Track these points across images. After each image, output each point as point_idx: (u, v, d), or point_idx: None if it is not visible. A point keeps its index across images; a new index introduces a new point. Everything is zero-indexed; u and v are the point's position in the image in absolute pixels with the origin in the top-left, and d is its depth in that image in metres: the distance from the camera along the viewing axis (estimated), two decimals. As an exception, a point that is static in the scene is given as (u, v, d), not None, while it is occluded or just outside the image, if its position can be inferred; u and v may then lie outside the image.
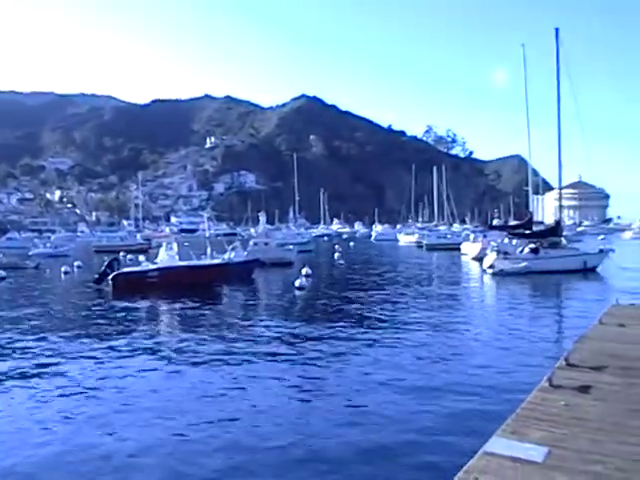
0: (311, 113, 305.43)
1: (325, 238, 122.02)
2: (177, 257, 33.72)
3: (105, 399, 12.25)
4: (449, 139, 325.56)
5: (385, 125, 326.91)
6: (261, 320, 22.57)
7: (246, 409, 11.48)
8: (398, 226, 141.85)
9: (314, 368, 14.69)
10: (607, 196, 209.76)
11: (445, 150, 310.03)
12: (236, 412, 11.30)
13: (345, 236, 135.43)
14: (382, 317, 22.83)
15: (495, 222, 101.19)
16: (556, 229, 46.52)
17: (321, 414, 11.23)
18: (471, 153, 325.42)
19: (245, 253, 44.06)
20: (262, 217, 64.17)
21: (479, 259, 48.62)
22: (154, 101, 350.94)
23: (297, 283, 31.81)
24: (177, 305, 26.03)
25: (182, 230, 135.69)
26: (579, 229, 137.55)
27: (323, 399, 12.17)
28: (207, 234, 43.99)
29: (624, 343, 10.61)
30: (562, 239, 46.04)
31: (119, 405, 11.79)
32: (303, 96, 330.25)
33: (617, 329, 12.00)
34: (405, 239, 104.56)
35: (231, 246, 40.73)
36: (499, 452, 5.50)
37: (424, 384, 13.00)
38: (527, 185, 53.50)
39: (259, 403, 11.80)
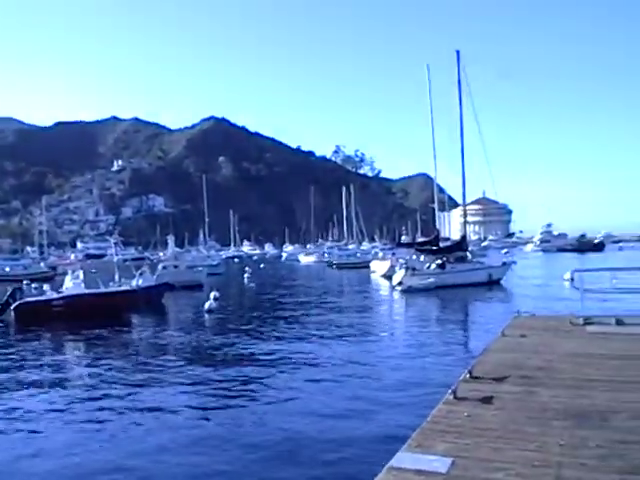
0: (220, 134, 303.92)
1: (235, 260, 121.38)
2: (83, 285, 32.74)
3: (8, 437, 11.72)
4: (357, 159, 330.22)
5: (294, 146, 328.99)
6: (169, 346, 22.18)
7: (148, 449, 10.82)
8: (308, 246, 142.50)
9: (222, 394, 14.52)
10: (510, 211, 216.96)
11: (354, 169, 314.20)
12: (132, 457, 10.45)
13: (255, 258, 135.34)
14: (291, 338, 22.87)
15: (403, 239, 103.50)
16: (462, 244, 47.86)
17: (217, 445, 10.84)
18: (379, 172, 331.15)
19: (154, 277, 43.32)
20: (171, 240, 63.34)
21: (388, 276, 49.41)
22: (58, 123, 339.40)
23: (207, 306, 31.52)
24: (83, 335, 25.14)
25: (89, 256, 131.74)
26: (484, 244, 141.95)
27: (227, 430, 11.79)
28: (115, 259, 42.79)
29: (524, 353, 10.98)
30: (468, 254, 47.43)
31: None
32: (212, 117, 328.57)
33: (518, 340, 12.41)
34: (305, 259, 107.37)
35: (139, 271, 39.98)
36: (404, 466, 5.58)
37: (333, 404, 13.02)
38: (433, 202, 54.74)
39: (159, 440, 11.14)
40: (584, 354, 10.86)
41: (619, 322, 14.58)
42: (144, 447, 10.76)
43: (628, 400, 7.72)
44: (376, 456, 7.90)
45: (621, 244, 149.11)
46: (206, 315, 30.48)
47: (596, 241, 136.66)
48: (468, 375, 8.95)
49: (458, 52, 46.89)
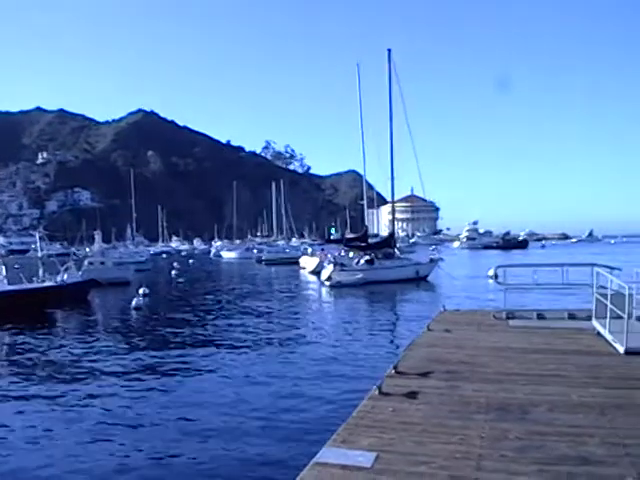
0: (148, 128, 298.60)
1: (164, 256, 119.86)
2: (5, 281, 31.75)
3: None
4: (287, 155, 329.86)
5: (224, 140, 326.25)
6: (95, 345, 21.61)
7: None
8: (237, 241, 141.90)
9: (144, 393, 14.25)
10: (437, 209, 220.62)
11: (284, 165, 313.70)
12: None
13: (184, 253, 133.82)
14: (219, 334, 22.74)
15: (332, 235, 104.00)
16: (390, 241, 48.44)
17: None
18: (309, 168, 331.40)
19: (80, 273, 42.31)
20: (98, 236, 62.13)
21: (317, 272, 49.57)
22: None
23: (134, 303, 30.97)
24: (3, 333, 24.39)
25: (12, 251, 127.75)
26: (412, 240, 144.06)
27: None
28: (39, 255, 41.65)
29: (449, 348, 11.19)
30: (396, 250, 47.95)
31: None
32: (140, 110, 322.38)
33: (443, 334, 12.65)
34: (227, 255, 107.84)
35: (64, 267, 38.95)
36: (329, 461, 5.62)
37: (254, 403, 12.89)
38: (362, 199, 55.14)
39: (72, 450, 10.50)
40: (506, 348, 11.14)
41: (540, 316, 15.01)
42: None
43: (547, 393, 7.96)
44: (298, 452, 7.95)
45: (544, 242, 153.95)
46: (133, 312, 29.94)
47: (520, 239, 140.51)
48: (393, 370, 9.07)
49: (389, 51, 47.36)
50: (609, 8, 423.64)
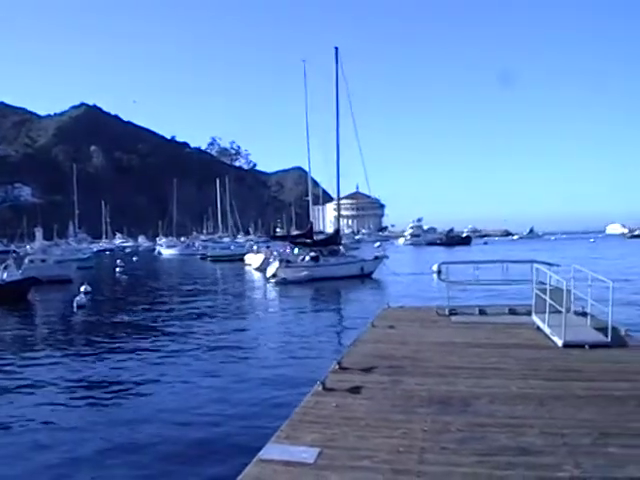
0: (91, 122, 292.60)
1: (107, 253, 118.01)
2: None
3: None
4: (233, 151, 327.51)
5: (169, 136, 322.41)
6: (36, 345, 21.20)
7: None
8: (182, 238, 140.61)
9: (88, 394, 14.02)
10: (382, 206, 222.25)
11: (229, 162, 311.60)
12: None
13: (128, 250, 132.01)
14: (163, 331, 22.50)
15: (278, 232, 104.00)
16: (335, 237, 48.65)
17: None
18: (255, 165, 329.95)
19: (19, 272, 41.34)
20: (39, 232, 60.96)
21: (262, 269, 49.43)
22: None
23: (75, 301, 30.33)
24: None
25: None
26: (357, 237, 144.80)
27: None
28: (-23, 252, 40.82)
29: (392, 343, 11.30)
30: (341, 247, 48.14)
31: None
32: (83, 104, 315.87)
33: (387, 331, 12.76)
34: (167, 252, 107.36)
35: (4, 265, 38.03)
36: (273, 458, 5.62)
37: (199, 401, 12.74)
38: (308, 196, 55.19)
39: None
40: (449, 343, 11.30)
41: (482, 312, 15.29)
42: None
43: (488, 385, 8.11)
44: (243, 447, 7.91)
45: (486, 239, 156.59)
46: (76, 311, 29.35)
47: (463, 235, 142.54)
48: (337, 366, 9.11)
49: (337, 49, 47.42)
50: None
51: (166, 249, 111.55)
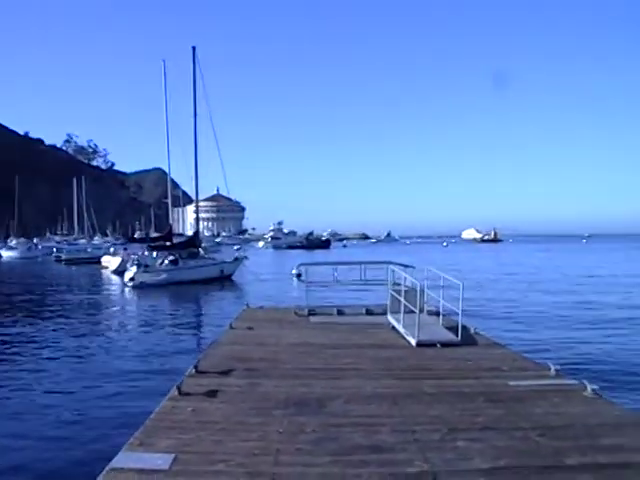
0: None
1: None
2: None
3: None
4: (90, 149, 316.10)
5: (22, 132, 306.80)
6: None
7: None
8: (35, 240, 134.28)
9: None
10: (243, 208, 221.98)
11: (86, 161, 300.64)
12: None
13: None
14: (8, 340, 21.28)
15: (137, 234, 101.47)
16: (195, 240, 48.00)
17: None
18: (113, 164, 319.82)
19: None
20: None
21: (120, 272, 48.11)
22: None
23: None
24: None
25: None
26: (217, 240, 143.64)
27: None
28: None
29: (251, 345, 11.29)
30: (200, 250, 47.57)
31: None
32: None
33: (246, 332, 12.74)
34: (6, 254, 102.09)
35: None
36: (125, 466, 5.44)
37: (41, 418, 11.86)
38: (167, 197, 54.22)
39: None
40: (306, 344, 11.42)
41: (340, 312, 15.58)
42: None
43: (344, 386, 8.25)
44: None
45: (345, 242, 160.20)
46: None
47: (323, 238, 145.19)
48: (194, 370, 8.98)
49: (194, 48, 46.84)
50: None
51: (6, 251, 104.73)
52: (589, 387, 7.92)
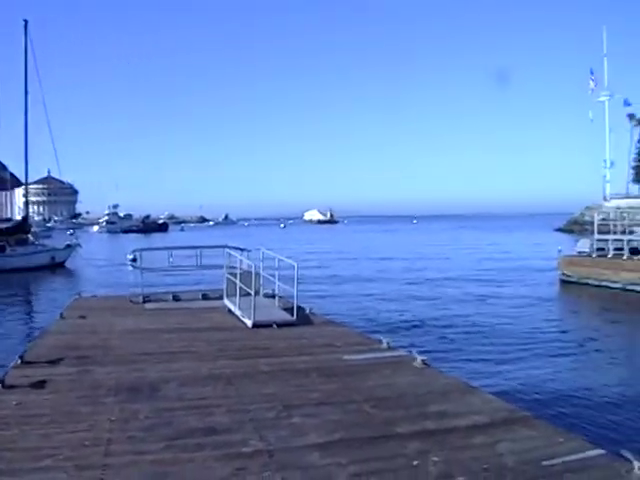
0: None
1: None
2: None
3: None
4: None
5: None
6: None
7: None
8: None
9: None
10: (76, 191, 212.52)
11: None
12: None
13: None
14: None
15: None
16: (24, 225, 45.52)
17: None
18: None
19: None
20: None
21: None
22: None
23: None
24: None
25: None
26: (49, 225, 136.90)
27: None
28: None
29: (82, 334, 10.90)
30: (29, 236, 45.20)
31: None
32: None
33: (77, 321, 12.29)
34: None
35: None
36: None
37: None
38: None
39: None
40: (141, 330, 11.21)
41: (175, 298, 15.41)
42: None
43: (178, 369, 8.18)
44: None
45: (183, 225, 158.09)
46: None
47: (160, 222, 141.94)
48: (19, 361, 8.52)
49: (26, 22, 43.97)
50: None
51: None
52: (419, 358, 8.32)
